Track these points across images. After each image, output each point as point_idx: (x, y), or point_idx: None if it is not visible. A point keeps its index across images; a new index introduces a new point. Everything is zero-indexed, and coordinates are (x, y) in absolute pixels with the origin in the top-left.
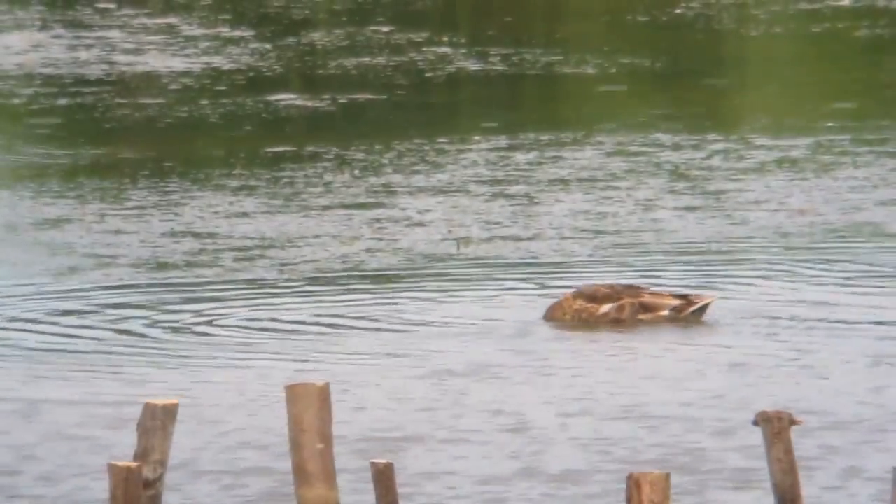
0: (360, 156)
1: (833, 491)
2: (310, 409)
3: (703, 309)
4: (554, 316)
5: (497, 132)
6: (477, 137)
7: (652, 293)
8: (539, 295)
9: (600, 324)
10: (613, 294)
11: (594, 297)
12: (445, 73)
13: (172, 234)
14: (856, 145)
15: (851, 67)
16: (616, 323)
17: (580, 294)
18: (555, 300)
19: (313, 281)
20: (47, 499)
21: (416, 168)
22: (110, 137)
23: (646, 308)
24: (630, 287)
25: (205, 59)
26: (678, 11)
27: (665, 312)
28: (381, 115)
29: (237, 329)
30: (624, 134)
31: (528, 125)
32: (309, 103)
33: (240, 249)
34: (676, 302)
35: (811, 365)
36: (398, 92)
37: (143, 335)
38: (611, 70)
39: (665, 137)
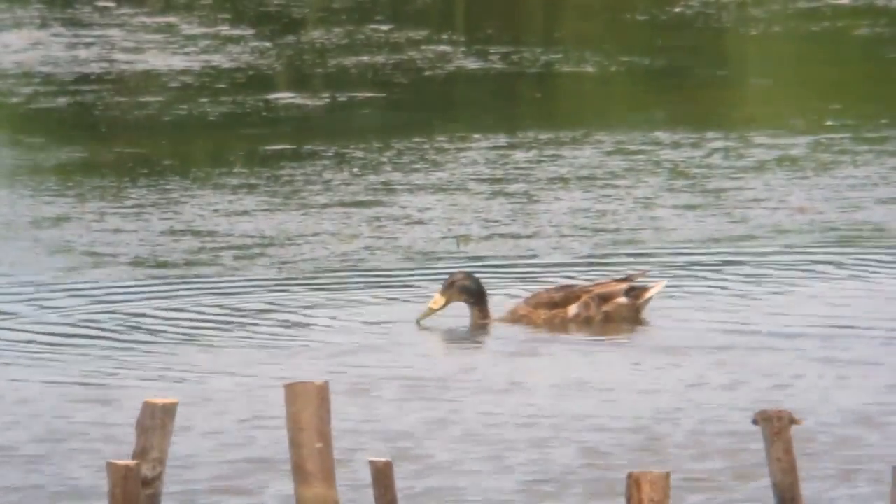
0: (360, 154)
1: (832, 491)
2: (308, 407)
3: (651, 296)
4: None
5: (496, 130)
6: (476, 136)
7: (597, 284)
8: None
9: (572, 325)
10: (571, 295)
11: (553, 302)
12: (445, 71)
13: (172, 232)
14: (856, 144)
15: (851, 66)
16: (586, 321)
17: (538, 304)
18: (506, 314)
19: (312, 279)
20: (43, 498)
21: (416, 166)
22: (109, 136)
23: (604, 299)
24: (571, 285)
25: (204, 57)
26: (677, 10)
27: (622, 299)
28: (381, 113)
29: (236, 327)
30: (623, 132)
31: (528, 123)
32: (308, 101)
33: (239, 248)
34: (625, 285)
35: (811, 364)
36: (397, 90)
37: (141, 334)
38: (610, 68)
39: (664, 136)
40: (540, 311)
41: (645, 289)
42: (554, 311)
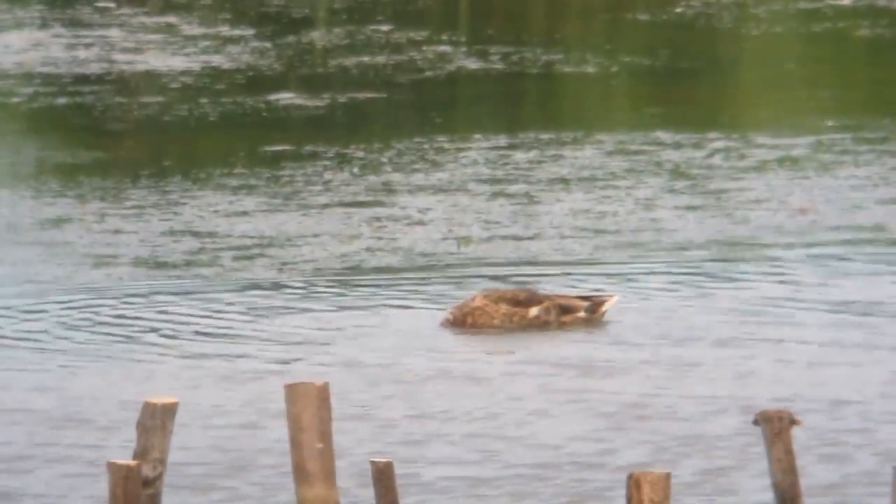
0: (360, 154)
1: (832, 491)
2: (309, 408)
3: (606, 310)
4: (478, 322)
5: (497, 131)
6: (477, 136)
7: (559, 295)
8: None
9: (532, 327)
10: (533, 297)
11: (516, 300)
12: (445, 71)
13: (172, 233)
14: (857, 144)
15: (852, 67)
16: (544, 325)
17: (499, 298)
18: (461, 305)
19: (313, 280)
20: (44, 498)
21: (416, 167)
22: (110, 136)
23: (564, 310)
24: (535, 291)
25: (204, 57)
26: (678, 10)
27: (581, 314)
28: (381, 113)
29: (237, 328)
30: (624, 133)
31: (529, 124)
32: (308, 102)
33: (239, 248)
34: (586, 303)
35: (812, 364)
36: (398, 91)
37: (142, 334)
38: (611, 69)
39: (665, 136)
40: (501, 305)
41: (601, 303)
42: (515, 308)
